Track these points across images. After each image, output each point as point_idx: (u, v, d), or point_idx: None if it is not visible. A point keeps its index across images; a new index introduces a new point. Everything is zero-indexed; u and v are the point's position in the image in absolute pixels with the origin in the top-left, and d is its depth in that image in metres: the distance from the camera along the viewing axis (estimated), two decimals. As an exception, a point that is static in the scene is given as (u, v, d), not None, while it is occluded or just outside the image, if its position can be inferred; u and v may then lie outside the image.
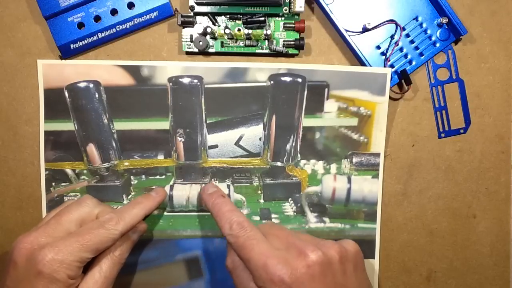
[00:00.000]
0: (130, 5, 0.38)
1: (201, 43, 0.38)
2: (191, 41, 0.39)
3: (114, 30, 0.39)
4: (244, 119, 0.39)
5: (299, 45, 0.39)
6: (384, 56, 0.39)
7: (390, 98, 0.40)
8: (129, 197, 0.40)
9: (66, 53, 0.38)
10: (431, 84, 0.41)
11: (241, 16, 0.38)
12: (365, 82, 0.39)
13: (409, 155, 0.41)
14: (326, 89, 0.39)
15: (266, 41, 0.39)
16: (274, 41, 0.39)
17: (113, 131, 0.39)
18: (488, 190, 0.41)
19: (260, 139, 0.40)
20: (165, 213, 0.40)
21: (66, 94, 0.38)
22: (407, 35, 0.40)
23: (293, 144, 0.40)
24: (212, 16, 0.38)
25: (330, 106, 0.39)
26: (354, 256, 0.31)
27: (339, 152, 0.40)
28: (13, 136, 0.40)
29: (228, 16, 0.38)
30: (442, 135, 0.41)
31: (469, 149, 0.41)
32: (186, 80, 0.39)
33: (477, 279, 0.42)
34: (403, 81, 0.39)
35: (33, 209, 0.40)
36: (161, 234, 0.39)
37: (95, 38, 0.38)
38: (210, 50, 0.39)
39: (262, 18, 0.38)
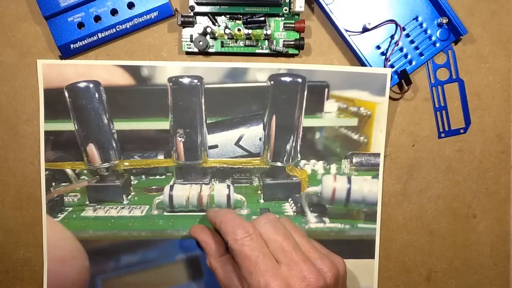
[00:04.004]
0: (130, 5, 0.38)
1: (201, 43, 0.38)
2: (191, 41, 0.39)
3: (114, 30, 0.39)
4: (244, 119, 0.39)
5: (299, 45, 0.39)
6: (384, 56, 0.39)
7: (390, 98, 0.40)
8: (129, 197, 0.40)
9: (66, 53, 0.38)
10: (431, 84, 0.41)
11: (241, 16, 0.38)
12: (365, 82, 0.39)
13: (409, 155, 0.41)
14: (326, 89, 0.39)
15: (266, 41, 0.39)
16: (274, 41, 0.39)
17: (113, 131, 0.39)
18: (488, 190, 0.41)
19: (260, 139, 0.40)
20: (165, 213, 0.40)
21: (66, 94, 0.38)
22: (407, 35, 0.40)
23: (293, 144, 0.40)
24: (212, 16, 0.38)
25: (330, 106, 0.39)
26: (343, 278, 0.32)
27: (339, 152, 0.40)
28: (13, 136, 0.40)
29: (228, 16, 0.38)
30: (442, 135, 0.41)
31: (469, 149, 0.41)
32: (186, 80, 0.39)
33: (477, 279, 0.42)
34: (403, 81, 0.39)
35: (33, 209, 0.40)
36: (161, 234, 0.39)
37: (95, 38, 0.38)
38: (210, 50, 0.39)
39: (262, 18, 0.38)
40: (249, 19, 0.38)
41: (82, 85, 0.38)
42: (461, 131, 0.41)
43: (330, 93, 0.39)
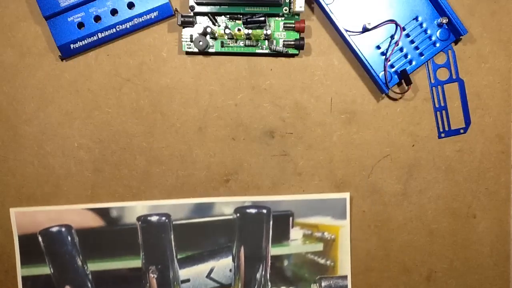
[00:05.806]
0: (130, 5, 0.38)
1: (201, 43, 0.38)
2: (191, 41, 0.39)
3: (114, 30, 0.39)
4: (213, 252, 0.40)
5: (299, 45, 0.39)
6: (384, 56, 0.39)
7: (391, 98, 0.40)
8: None
9: (66, 53, 0.38)
10: (431, 84, 0.41)
11: (241, 16, 0.38)
12: (327, 207, 0.40)
13: (409, 155, 0.41)
14: (291, 218, 0.40)
15: (266, 41, 0.39)
16: (274, 41, 0.39)
17: (87, 272, 0.40)
18: (488, 190, 0.41)
19: (230, 270, 0.40)
20: None
21: (40, 239, 0.39)
22: (407, 35, 0.40)
23: (263, 273, 0.41)
24: (212, 16, 0.38)
25: (296, 233, 0.41)
26: None
27: (307, 277, 0.41)
28: (13, 136, 0.40)
29: (228, 16, 0.38)
30: (442, 135, 0.41)
31: (469, 149, 0.41)
32: (154, 218, 0.40)
33: (477, 279, 0.42)
34: (403, 81, 0.39)
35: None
36: None
37: (95, 38, 0.38)
38: (210, 50, 0.39)
39: (262, 18, 0.38)
40: (249, 19, 0.38)
41: (54, 229, 0.39)
42: (461, 131, 0.41)
43: (295, 221, 0.40)
